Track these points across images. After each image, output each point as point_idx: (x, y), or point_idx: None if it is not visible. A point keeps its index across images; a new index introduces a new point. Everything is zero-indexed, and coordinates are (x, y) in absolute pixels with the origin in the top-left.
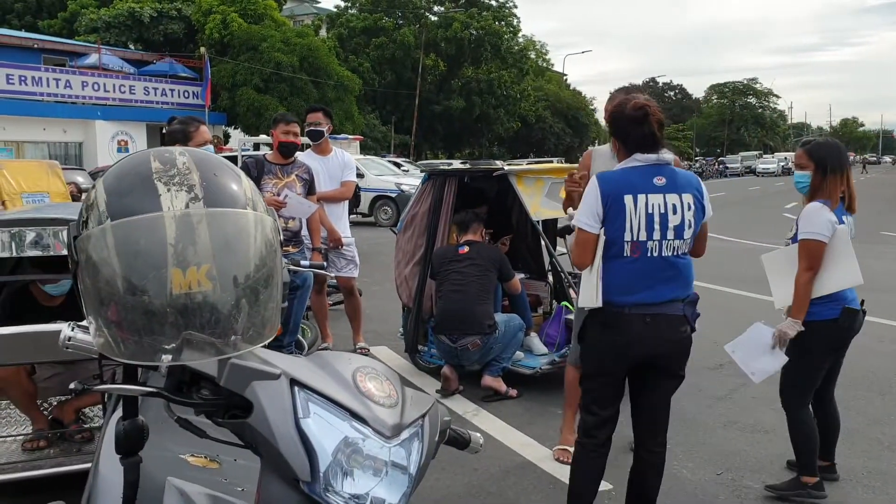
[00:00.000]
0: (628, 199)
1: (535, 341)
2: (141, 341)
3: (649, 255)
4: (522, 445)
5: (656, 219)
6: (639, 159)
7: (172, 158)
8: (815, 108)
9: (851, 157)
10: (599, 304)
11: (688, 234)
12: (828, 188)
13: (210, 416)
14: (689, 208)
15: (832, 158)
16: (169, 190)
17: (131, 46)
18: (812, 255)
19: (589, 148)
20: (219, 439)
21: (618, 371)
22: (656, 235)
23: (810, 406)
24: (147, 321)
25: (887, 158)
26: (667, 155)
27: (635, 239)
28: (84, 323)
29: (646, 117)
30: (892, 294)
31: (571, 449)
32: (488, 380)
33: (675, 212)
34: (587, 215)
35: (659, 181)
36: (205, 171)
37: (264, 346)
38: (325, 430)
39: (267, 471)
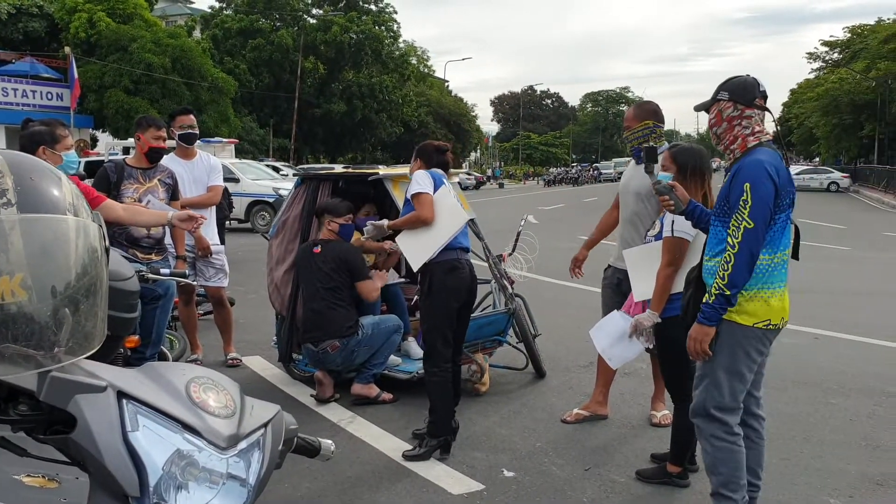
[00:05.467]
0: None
1: (412, 346)
2: None
3: None
4: (397, 450)
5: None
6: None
7: None
8: (684, 115)
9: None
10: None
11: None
12: (688, 190)
13: (30, 432)
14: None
15: (693, 162)
16: None
17: None
18: (676, 252)
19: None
20: (43, 457)
21: (456, 307)
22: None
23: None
24: None
25: None
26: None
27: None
28: None
29: (446, 152)
30: None
31: (573, 414)
32: (357, 388)
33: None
34: (425, 185)
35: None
36: (20, 174)
37: (131, 359)
38: (155, 443)
39: (95, 487)
